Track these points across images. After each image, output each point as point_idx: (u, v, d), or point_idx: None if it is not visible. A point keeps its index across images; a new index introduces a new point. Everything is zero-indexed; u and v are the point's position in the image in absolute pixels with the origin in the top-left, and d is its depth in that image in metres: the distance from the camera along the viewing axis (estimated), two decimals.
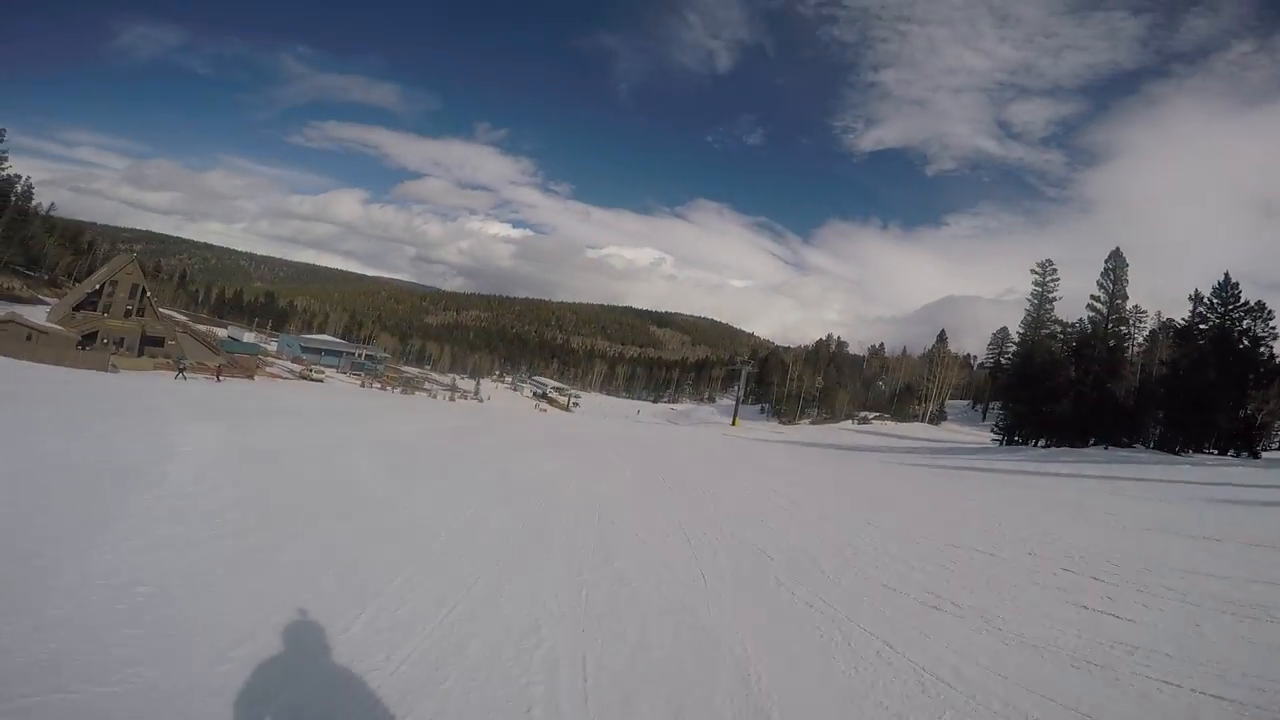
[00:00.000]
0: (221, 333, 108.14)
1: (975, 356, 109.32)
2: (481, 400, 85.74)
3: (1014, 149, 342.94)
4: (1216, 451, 38.19)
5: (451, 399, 71.50)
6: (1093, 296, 45.51)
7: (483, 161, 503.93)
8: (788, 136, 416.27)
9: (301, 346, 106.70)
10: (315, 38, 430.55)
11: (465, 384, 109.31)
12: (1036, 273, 50.09)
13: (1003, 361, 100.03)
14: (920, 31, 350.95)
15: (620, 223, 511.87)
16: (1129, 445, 38.88)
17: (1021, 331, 50.26)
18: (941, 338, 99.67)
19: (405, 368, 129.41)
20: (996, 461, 27.77)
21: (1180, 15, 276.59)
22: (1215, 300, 41.11)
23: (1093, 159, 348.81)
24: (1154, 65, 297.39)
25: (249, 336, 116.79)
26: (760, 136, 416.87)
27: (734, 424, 73.42)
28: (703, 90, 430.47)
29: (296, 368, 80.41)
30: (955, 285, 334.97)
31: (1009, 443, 46.89)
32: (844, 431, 71.85)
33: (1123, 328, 44.37)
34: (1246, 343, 39.85)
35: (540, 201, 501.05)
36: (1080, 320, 47.32)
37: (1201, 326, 41.16)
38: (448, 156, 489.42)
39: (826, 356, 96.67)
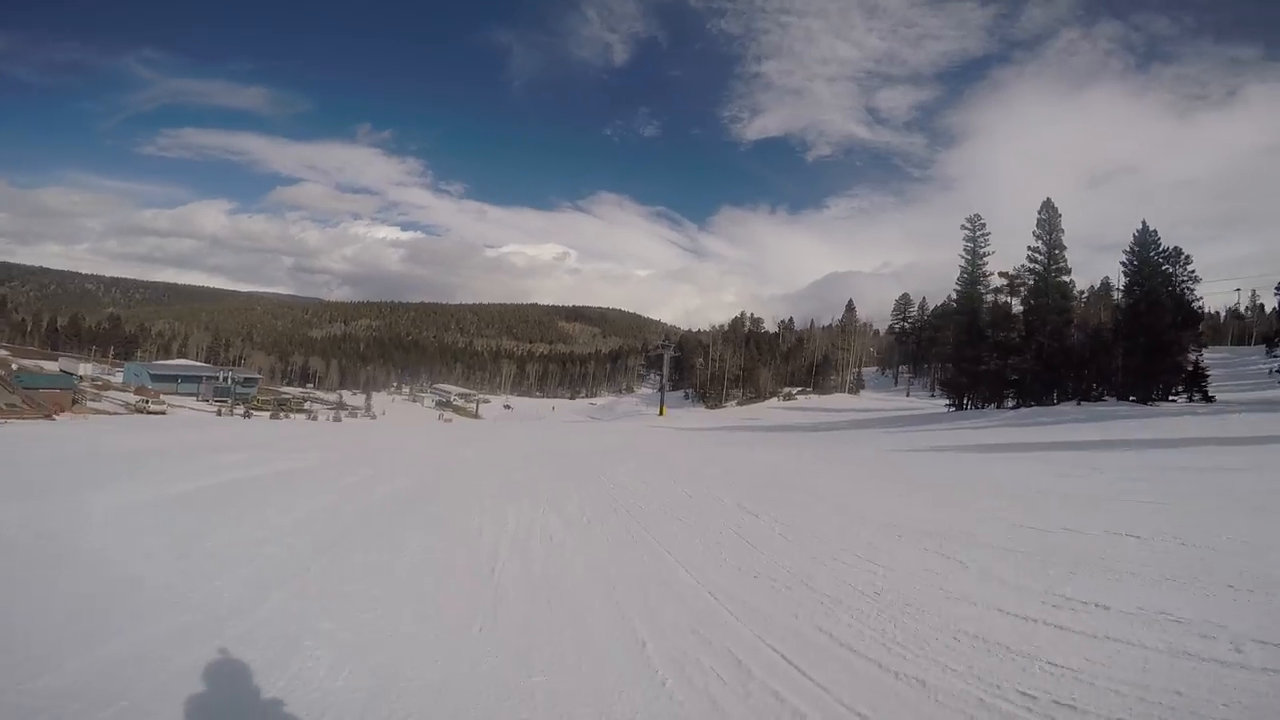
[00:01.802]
0: (52, 366, 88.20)
1: (870, 324, 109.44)
2: (375, 417, 73.81)
3: (882, 133, 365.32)
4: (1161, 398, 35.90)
5: (336, 419, 59.69)
6: (1030, 248, 42.49)
7: (366, 164, 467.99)
8: (681, 127, 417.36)
9: (151, 375, 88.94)
10: (164, 41, 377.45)
11: (355, 400, 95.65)
12: (966, 228, 46.69)
13: (907, 326, 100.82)
14: (799, 23, 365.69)
15: (520, 220, 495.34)
16: (1098, 398, 35.68)
17: (959, 289, 46.82)
18: (850, 308, 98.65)
19: (285, 388, 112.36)
20: (1026, 433, 22.51)
21: (1022, 4, 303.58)
22: (1137, 248, 39.52)
23: (950, 140, 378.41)
24: (999, 52, 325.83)
25: (85, 368, 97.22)
26: (656, 128, 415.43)
27: (661, 414, 66.74)
28: (600, 84, 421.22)
29: (136, 399, 65.42)
30: (837, 262, 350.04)
31: (963, 406, 43.18)
32: (777, 410, 67.25)
33: (1065, 277, 41.61)
34: (1170, 287, 38.34)
35: (431, 202, 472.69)
36: (1015, 273, 44.51)
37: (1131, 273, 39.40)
38: (326, 160, 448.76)
39: (743, 335, 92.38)
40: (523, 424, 56.10)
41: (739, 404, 77.68)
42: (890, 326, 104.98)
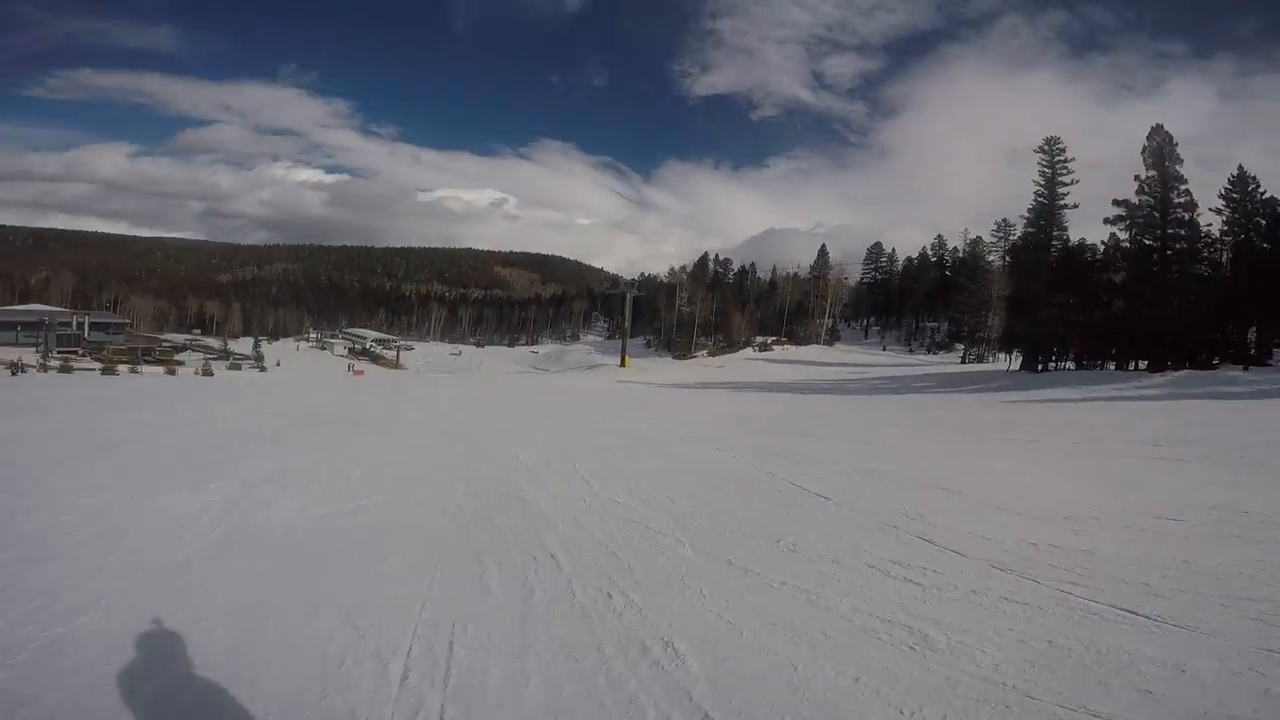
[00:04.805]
0: None
1: (843, 269, 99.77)
2: (265, 368, 58.75)
3: (825, 99, 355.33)
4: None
5: (206, 373, 44.83)
6: (1140, 179, 31.31)
7: (287, 105, 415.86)
8: (631, 78, 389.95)
9: None
10: None
11: (241, 346, 79.15)
12: (1043, 152, 35.85)
13: (879, 277, 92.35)
14: None
15: (456, 164, 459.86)
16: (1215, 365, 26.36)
17: (1027, 218, 36.22)
18: (823, 253, 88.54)
19: (171, 335, 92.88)
20: None
21: None
22: (1238, 196, 31.22)
23: (890, 110, 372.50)
24: (946, 29, 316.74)
25: None
26: (605, 78, 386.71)
27: (624, 364, 55.09)
28: (549, 30, 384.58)
29: None
30: (774, 219, 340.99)
31: (1041, 368, 33.09)
32: (758, 363, 56.76)
33: (1188, 214, 30.93)
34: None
35: (359, 145, 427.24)
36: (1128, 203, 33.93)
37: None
38: (242, 101, 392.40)
39: (710, 277, 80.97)
40: (456, 379, 43.07)
41: (710, 354, 66.90)
42: (874, 275, 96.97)
